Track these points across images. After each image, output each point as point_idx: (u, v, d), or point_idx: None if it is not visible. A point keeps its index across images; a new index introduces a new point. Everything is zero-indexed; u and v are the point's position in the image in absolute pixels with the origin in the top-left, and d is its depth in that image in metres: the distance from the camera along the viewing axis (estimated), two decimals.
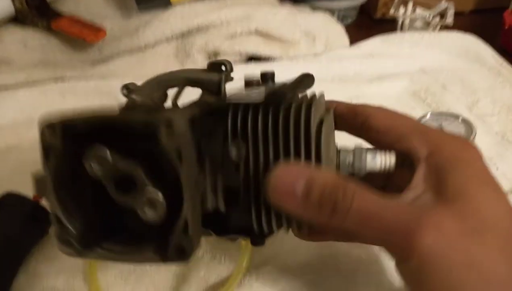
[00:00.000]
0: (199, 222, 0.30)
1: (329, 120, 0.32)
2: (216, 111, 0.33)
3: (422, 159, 0.31)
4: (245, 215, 0.32)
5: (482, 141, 0.57)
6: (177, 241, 0.28)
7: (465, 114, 0.59)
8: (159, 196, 0.28)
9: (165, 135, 0.27)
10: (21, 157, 0.59)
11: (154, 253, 0.29)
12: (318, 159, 0.31)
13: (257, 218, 0.32)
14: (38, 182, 0.31)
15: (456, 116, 0.56)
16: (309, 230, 0.37)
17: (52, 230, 0.31)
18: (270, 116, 0.32)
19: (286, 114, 0.32)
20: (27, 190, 0.54)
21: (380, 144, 0.34)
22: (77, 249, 0.30)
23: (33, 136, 0.63)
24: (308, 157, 0.31)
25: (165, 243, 0.29)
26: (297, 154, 0.31)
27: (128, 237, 0.31)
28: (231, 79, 0.36)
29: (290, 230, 0.35)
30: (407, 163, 0.32)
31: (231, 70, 0.36)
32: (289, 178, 0.29)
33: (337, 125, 0.33)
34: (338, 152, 0.33)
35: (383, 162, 0.32)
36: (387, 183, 0.37)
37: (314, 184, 0.29)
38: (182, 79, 0.36)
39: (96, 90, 0.69)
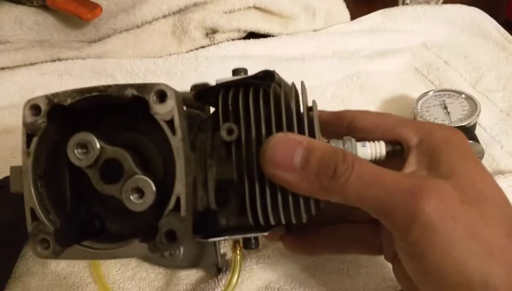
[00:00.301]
0: (191, 205, 0.28)
1: (316, 107, 0.32)
2: (204, 94, 0.33)
3: (413, 146, 0.31)
4: (238, 209, 0.31)
5: (486, 118, 0.57)
6: (167, 224, 0.27)
7: (469, 91, 0.58)
8: (150, 182, 0.27)
9: (157, 102, 0.27)
10: (20, 138, 0.58)
11: (141, 242, 0.27)
12: (312, 134, 0.30)
13: (251, 205, 0.30)
14: (14, 173, 0.30)
15: (459, 93, 0.55)
16: (300, 239, 0.37)
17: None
18: (260, 93, 0.31)
19: (277, 92, 0.31)
20: None
21: None
22: (54, 249, 0.27)
23: None
24: (301, 132, 0.30)
25: (153, 231, 0.27)
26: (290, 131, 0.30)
27: (107, 236, 0.30)
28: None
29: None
30: (397, 153, 0.32)
31: None
32: (286, 146, 0.28)
33: (322, 133, 0.33)
34: (328, 141, 0.32)
35: (373, 150, 0.32)
36: None
37: (313, 151, 0.28)
38: None
39: (93, 69, 0.68)
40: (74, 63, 0.68)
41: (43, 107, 0.28)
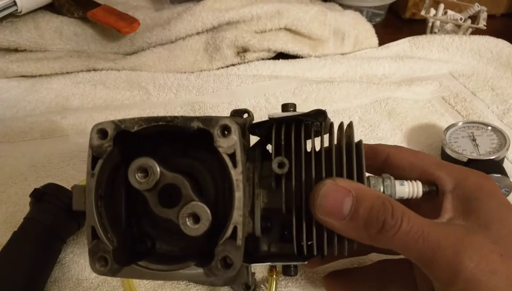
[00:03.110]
0: (245, 234, 0.29)
1: (363, 148, 0.33)
2: (257, 127, 0.34)
3: (448, 190, 0.32)
4: (279, 237, 0.32)
5: None
6: (223, 251, 0.28)
7: (496, 123, 0.58)
8: (206, 209, 0.28)
9: (221, 136, 0.28)
10: (55, 145, 0.60)
11: (197, 266, 0.28)
12: (361, 179, 0.31)
13: (297, 236, 0.31)
14: (77, 192, 0.31)
15: (487, 126, 0.56)
16: (340, 280, 0.39)
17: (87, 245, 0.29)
18: (312, 131, 0.32)
19: (327, 130, 0.33)
20: (61, 178, 0.55)
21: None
22: (112, 267, 0.28)
23: (66, 125, 0.64)
24: (350, 176, 0.31)
25: (203, 254, 0.28)
26: (339, 174, 0.31)
27: (156, 256, 0.31)
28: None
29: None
30: (433, 193, 0.33)
31: (253, 118, 0.37)
32: (335, 195, 0.29)
33: None
34: (368, 178, 0.33)
35: (411, 189, 0.33)
36: None
37: (362, 201, 0.29)
38: None
39: (126, 81, 0.70)
40: (108, 74, 0.70)
41: (110, 132, 0.29)
